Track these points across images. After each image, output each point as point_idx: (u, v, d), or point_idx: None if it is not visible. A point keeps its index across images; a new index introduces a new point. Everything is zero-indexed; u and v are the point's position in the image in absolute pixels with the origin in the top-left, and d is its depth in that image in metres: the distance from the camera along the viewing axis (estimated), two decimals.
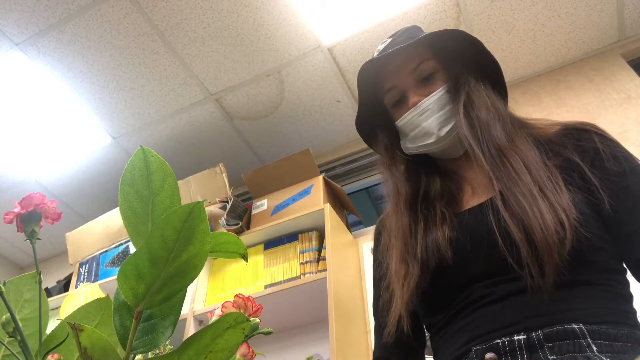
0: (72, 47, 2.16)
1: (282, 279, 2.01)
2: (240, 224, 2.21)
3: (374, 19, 2.13)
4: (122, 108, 2.46)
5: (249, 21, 2.11)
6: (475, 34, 2.21)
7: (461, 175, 0.91)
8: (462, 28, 2.18)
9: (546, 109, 2.26)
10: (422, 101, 0.89)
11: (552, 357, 0.65)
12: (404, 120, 0.92)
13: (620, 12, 2.16)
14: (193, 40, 2.17)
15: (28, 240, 0.52)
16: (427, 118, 0.89)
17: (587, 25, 2.21)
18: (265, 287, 2.01)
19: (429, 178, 0.93)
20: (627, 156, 0.80)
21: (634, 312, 0.74)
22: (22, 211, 0.49)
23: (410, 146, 0.93)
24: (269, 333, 0.59)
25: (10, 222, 0.49)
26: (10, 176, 2.77)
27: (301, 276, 1.97)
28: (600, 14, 2.16)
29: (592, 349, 0.64)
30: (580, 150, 0.80)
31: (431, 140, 0.89)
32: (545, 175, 0.76)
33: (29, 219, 0.50)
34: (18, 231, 0.50)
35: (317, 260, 2.03)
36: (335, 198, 2.26)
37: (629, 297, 0.75)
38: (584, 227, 0.71)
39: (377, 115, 0.99)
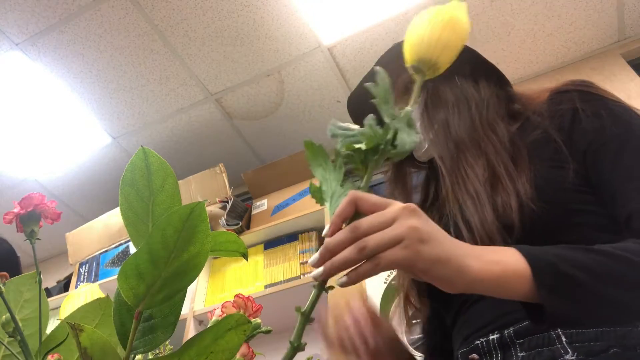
0: (72, 47, 2.16)
1: (282, 279, 2.01)
2: (240, 224, 2.21)
3: (374, 19, 2.13)
4: (122, 108, 2.45)
5: (249, 21, 2.11)
6: (475, 34, 2.21)
7: None
8: None
9: None
10: None
11: (521, 353, 0.65)
12: None
13: (620, 12, 2.16)
14: (193, 40, 2.17)
15: (28, 240, 0.52)
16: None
17: (587, 25, 2.20)
18: (265, 287, 2.01)
19: (439, 185, 0.93)
20: (612, 108, 0.74)
21: None
22: (21, 211, 0.49)
23: (416, 154, 0.93)
24: (268, 332, 0.59)
25: (10, 222, 0.49)
26: (10, 176, 2.77)
27: (301, 276, 1.97)
28: (600, 14, 2.16)
29: (562, 340, 0.63)
30: (559, 116, 0.76)
31: (424, 147, 0.89)
32: (507, 158, 0.74)
33: (29, 219, 0.50)
34: (18, 231, 0.50)
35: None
36: None
37: None
38: (547, 205, 0.68)
39: None
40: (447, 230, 0.78)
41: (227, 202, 2.24)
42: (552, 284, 0.51)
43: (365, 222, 0.47)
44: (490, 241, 0.68)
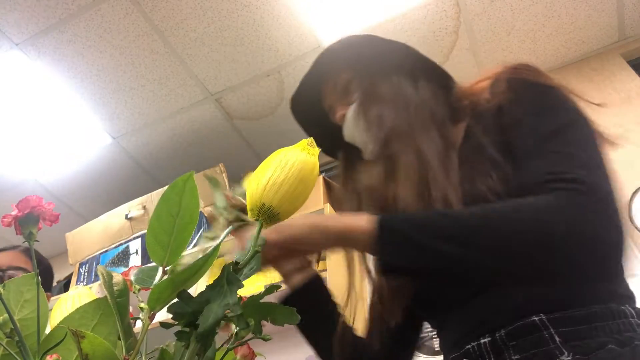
0: (72, 47, 2.16)
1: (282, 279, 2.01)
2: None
3: (374, 19, 2.13)
4: (122, 108, 2.45)
5: (249, 21, 2.11)
6: (475, 34, 2.21)
7: None
8: (462, 28, 2.18)
9: None
10: (346, 113, 0.89)
11: (515, 356, 0.63)
12: (346, 136, 0.91)
13: (620, 12, 2.16)
14: (193, 40, 2.17)
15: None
16: (355, 127, 0.88)
17: (587, 25, 2.20)
18: (266, 287, 2.01)
19: None
20: (536, 98, 0.73)
21: (617, 284, 0.67)
22: (19, 214, 0.49)
23: (364, 155, 0.90)
24: (268, 339, 0.59)
25: (9, 225, 0.49)
26: (10, 177, 2.77)
27: None
28: (600, 14, 2.16)
29: (555, 339, 0.61)
30: (481, 113, 0.76)
31: (370, 147, 0.87)
32: (440, 160, 0.75)
33: (27, 222, 0.50)
34: (17, 234, 0.50)
35: (317, 260, 2.03)
36: (335, 198, 2.26)
37: (606, 271, 0.66)
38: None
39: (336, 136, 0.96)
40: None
41: None
42: (386, 237, 0.65)
43: None
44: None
